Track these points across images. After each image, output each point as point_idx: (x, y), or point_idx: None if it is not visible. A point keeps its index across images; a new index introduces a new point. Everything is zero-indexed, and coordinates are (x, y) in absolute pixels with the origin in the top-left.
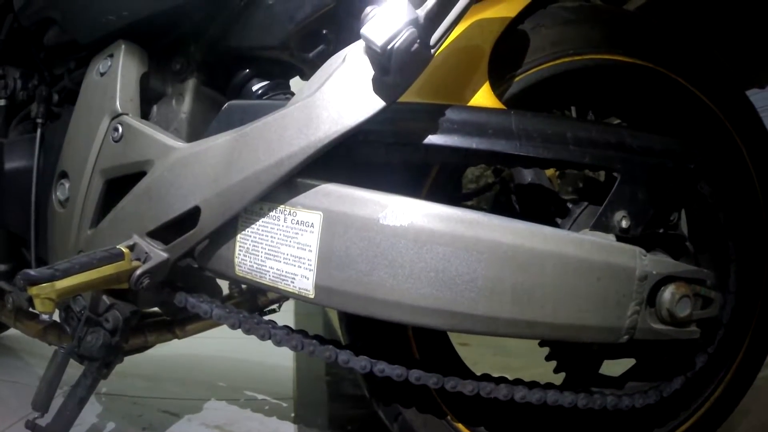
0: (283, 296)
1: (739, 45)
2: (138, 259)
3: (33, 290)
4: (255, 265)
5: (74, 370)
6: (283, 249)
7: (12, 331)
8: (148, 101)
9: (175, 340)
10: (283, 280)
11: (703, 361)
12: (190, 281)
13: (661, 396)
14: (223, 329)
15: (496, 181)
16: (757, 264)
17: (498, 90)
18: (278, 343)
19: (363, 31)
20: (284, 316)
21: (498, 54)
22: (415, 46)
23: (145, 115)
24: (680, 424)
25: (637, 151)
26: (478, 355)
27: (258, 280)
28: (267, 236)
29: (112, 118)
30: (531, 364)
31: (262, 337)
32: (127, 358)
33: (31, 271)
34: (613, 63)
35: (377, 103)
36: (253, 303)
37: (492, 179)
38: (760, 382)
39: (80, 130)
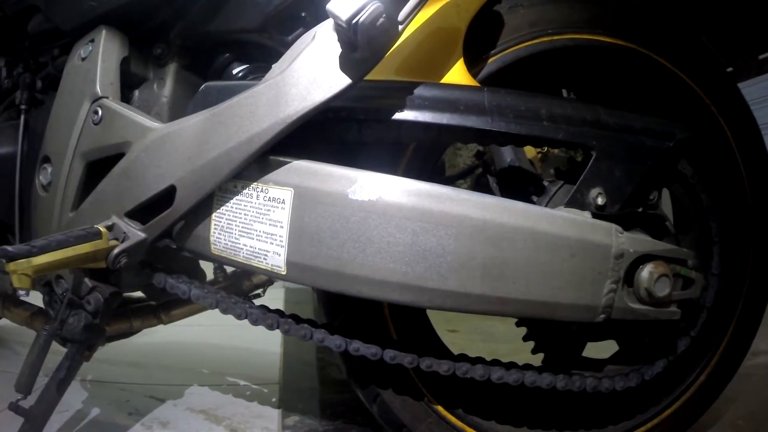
0: (267, 280)
1: (726, 31)
2: (116, 239)
3: (10, 266)
4: (229, 243)
5: (59, 357)
6: (255, 226)
7: (1, 323)
8: (130, 86)
9: (163, 329)
10: (256, 257)
11: (686, 344)
12: (172, 265)
13: (643, 379)
14: (211, 317)
15: (477, 164)
16: (741, 247)
17: (474, 69)
18: (254, 322)
19: (329, 6)
20: (275, 305)
21: (474, 33)
22: (381, 20)
23: (127, 99)
24: (663, 410)
25: (613, 128)
26: (467, 341)
27: (232, 258)
28: (241, 214)
29: (93, 102)
30: (520, 350)
31: (239, 317)
32: (113, 346)
33: (9, 247)
34: (594, 43)
35: (345, 80)
36: (237, 287)
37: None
38: (747, 369)
39: (62, 115)
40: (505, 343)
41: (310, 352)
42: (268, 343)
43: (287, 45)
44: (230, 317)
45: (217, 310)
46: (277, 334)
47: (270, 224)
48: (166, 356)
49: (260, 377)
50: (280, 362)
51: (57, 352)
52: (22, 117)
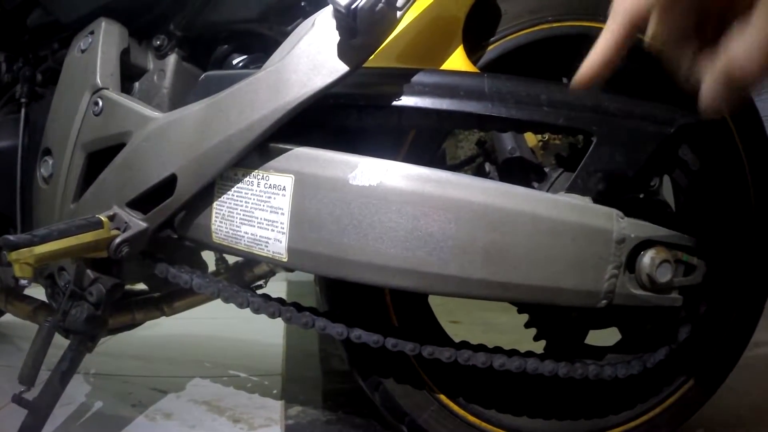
0: (269, 271)
1: None
2: (117, 229)
3: (12, 255)
4: (231, 231)
5: (61, 351)
6: (257, 213)
7: (4, 318)
8: (130, 78)
9: (166, 322)
10: (258, 244)
11: (688, 332)
12: (174, 256)
13: (645, 366)
14: (213, 310)
15: (479, 153)
16: (743, 235)
17: (474, 57)
18: (256, 311)
19: None
20: None
21: (474, 21)
22: (380, 5)
23: (127, 91)
24: (664, 399)
25: (614, 113)
26: (468, 332)
27: (234, 246)
28: (242, 201)
29: (93, 93)
30: (521, 341)
31: (241, 305)
32: (116, 339)
33: (11, 237)
34: (594, 31)
35: (344, 66)
36: (239, 278)
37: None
38: (749, 360)
39: (62, 107)
40: (506, 334)
41: (312, 343)
42: (271, 335)
43: (287, 35)
44: (232, 310)
45: (218, 303)
46: (279, 326)
47: (271, 211)
48: (168, 349)
49: (263, 369)
50: (282, 354)
51: (59, 346)
52: (23, 110)
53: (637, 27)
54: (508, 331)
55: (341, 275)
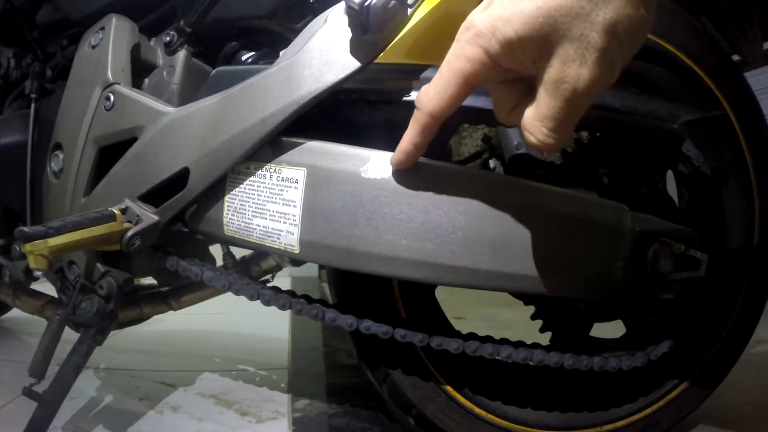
0: (276, 266)
1: (730, 18)
2: (129, 222)
3: (27, 247)
4: (242, 224)
5: (70, 346)
6: (269, 206)
7: (11, 314)
8: (140, 74)
9: (172, 318)
10: (270, 236)
11: (691, 326)
12: (183, 249)
13: (648, 359)
14: (219, 306)
15: (485, 148)
16: (745, 230)
17: None
18: (267, 303)
19: None
20: None
21: None
22: (392, 3)
23: (137, 86)
24: (666, 393)
25: (618, 109)
26: (473, 328)
27: (245, 239)
28: (254, 194)
29: (104, 88)
30: (526, 336)
31: (251, 297)
32: (123, 334)
33: (26, 228)
34: None
35: (357, 61)
36: (246, 273)
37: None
38: (750, 357)
39: (73, 102)
40: (511, 330)
41: (317, 338)
42: (277, 330)
43: (296, 32)
44: (238, 306)
45: (224, 299)
46: (285, 322)
47: (283, 204)
48: (175, 344)
49: (269, 363)
50: (288, 348)
51: (68, 341)
52: (32, 106)
53: (440, 120)
54: (512, 327)
55: (352, 267)
